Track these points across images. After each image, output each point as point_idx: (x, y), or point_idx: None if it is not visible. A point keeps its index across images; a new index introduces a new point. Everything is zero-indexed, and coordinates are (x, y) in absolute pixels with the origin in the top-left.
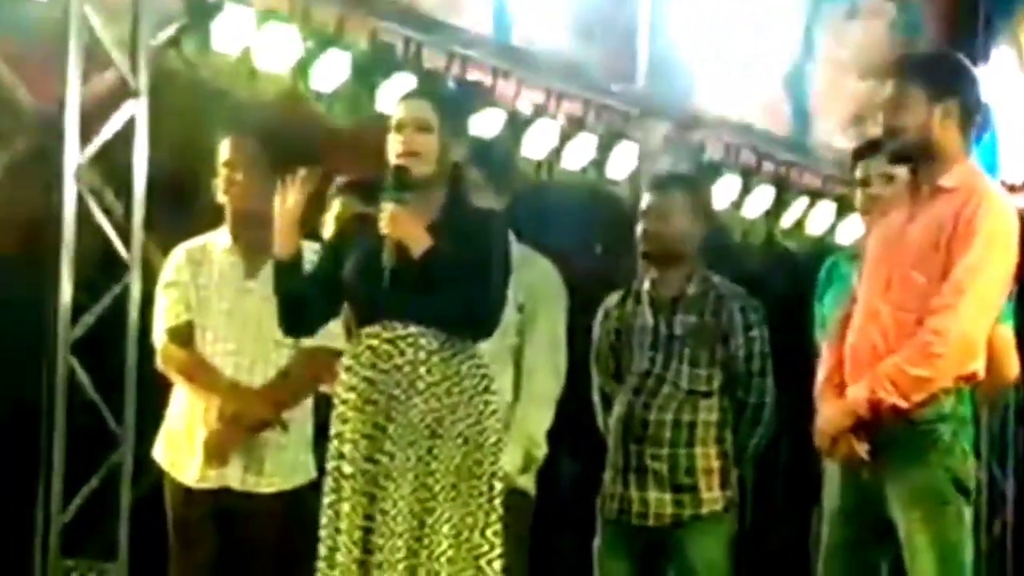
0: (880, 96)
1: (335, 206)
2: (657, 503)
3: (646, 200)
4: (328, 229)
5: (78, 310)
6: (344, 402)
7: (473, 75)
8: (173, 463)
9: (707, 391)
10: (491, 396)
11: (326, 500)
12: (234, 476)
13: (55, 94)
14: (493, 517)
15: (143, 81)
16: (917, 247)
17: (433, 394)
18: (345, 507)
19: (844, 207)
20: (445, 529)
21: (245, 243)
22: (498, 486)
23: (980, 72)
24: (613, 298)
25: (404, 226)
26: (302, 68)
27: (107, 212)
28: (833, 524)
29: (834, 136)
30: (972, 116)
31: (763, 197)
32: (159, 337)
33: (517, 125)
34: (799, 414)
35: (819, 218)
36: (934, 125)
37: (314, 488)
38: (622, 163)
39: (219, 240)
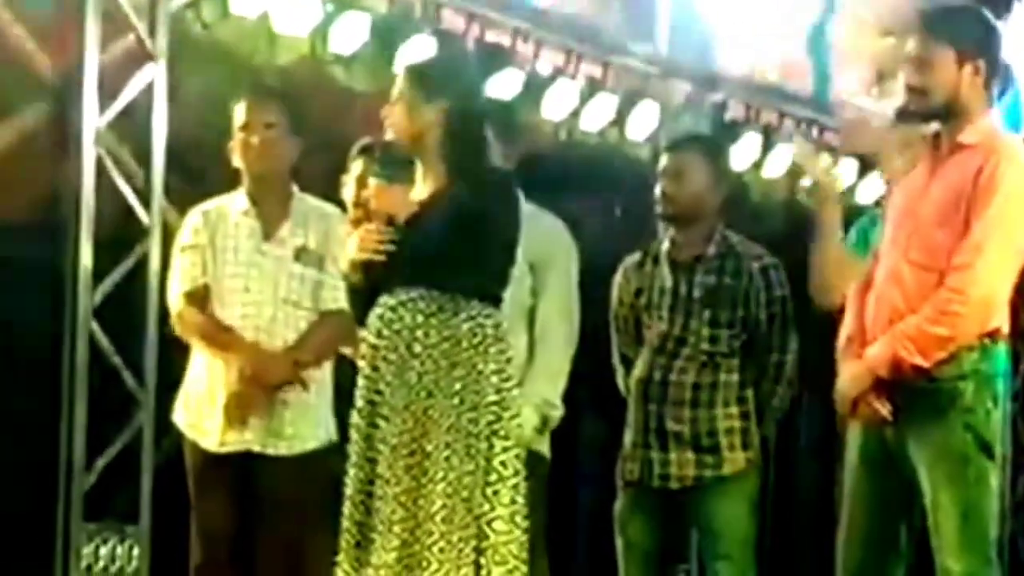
0: (903, 53)
1: (355, 168)
2: (679, 464)
3: (663, 161)
4: (347, 191)
5: (98, 275)
6: (359, 370)
7: (492, 36)
8: (193, 426)
9: (727, 352)
10: (493, 356)
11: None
12: (254, 439)
13: (74, 59)
14: (493, 477)
15: (162, 45)
16: (937, 205)
17: (430, 356)
18: (351, 472)
19: (866, 165)
20: (439, 488)
21: (262, 205)
22: (499, 444)
23: (1003, 26)
24: (632, 259)
25: (388, 198)
26: (321, 31)
27: (127, 177)
28: (856, 478)
29: (856, 94)
30: (996, 71)
31: (784, 156)
32: (175, 300)
33: (536, 86)
34: (822, 372)
35: (842, 176)
36: (962, 85)
37: (336, 450)
38: (642, 124)
39: (236, 202)
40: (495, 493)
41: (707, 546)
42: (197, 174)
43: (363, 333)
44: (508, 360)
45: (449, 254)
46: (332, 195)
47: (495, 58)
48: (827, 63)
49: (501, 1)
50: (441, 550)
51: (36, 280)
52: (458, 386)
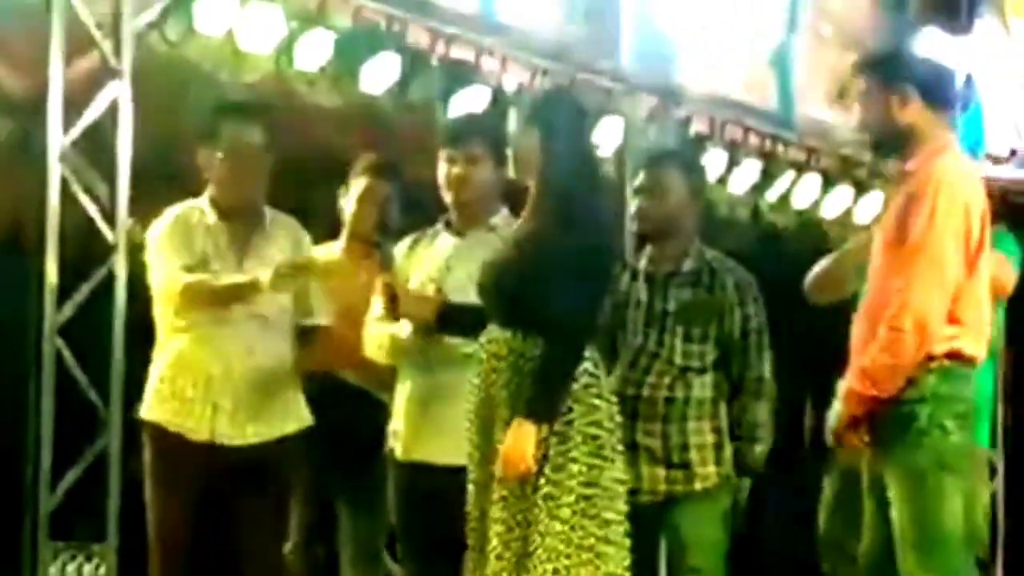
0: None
1: (360, 184)
2: (650, 479)
3: (640, 178)
4: (349, 204)
5: (64, 293)
6: (475, 387)
7: (457, 53)
8: (174, 417)
9: (700, 367)
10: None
11: None
12: (225, 428)
13: (38, 77)
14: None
15: (126, 63)
16: (885, 232)
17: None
18: (471, 488)
19: (829, 181)
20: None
21: (235, 223)
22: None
23: (964, 43)
24: None
25: None
26: (286, 48)
27: (92, 194)
28: (834, 482)
29: (819, 110)
30: (935, 94)
31: (749, 172)
32: (174, 277)
33: (502, 102)
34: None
35: (805, 192)
36: (894, 112)
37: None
38: (607, 139)
39: (207, 210)
40: (558, 532)
41: (677, 560)
42: (162, 192)
43: (480, 353)
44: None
45: (525, 296)
46: (300, 209)
47: (461, 74)
48: (791, 78)
49: (466, 18)
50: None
51: (1, 297)
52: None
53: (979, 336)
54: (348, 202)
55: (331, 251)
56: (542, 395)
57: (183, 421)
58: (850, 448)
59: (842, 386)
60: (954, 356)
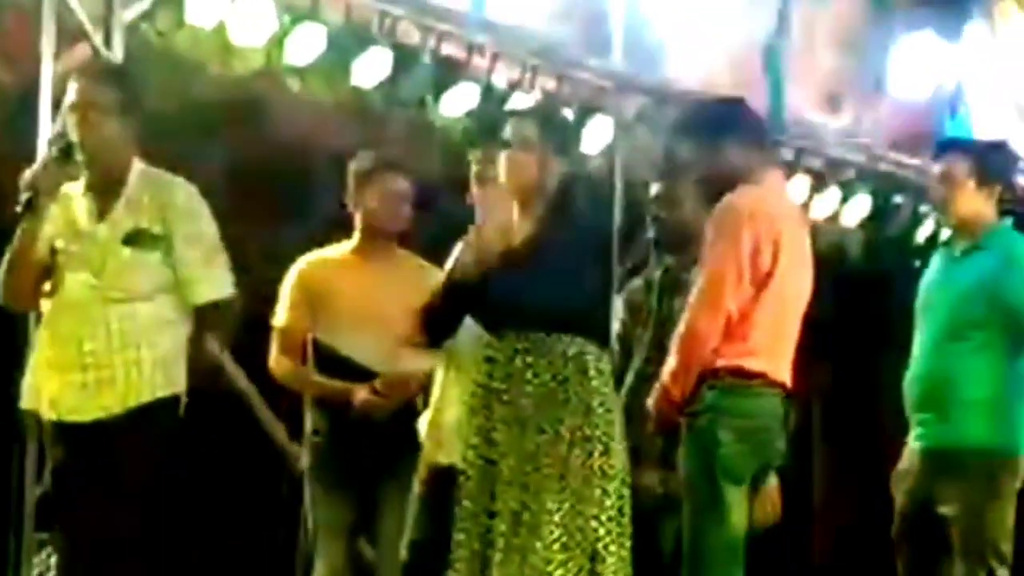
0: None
1: (381, 181)
2: (647, 482)
3: (655, 188)
4: (369, 204)
5: None
6: (470, 408)
7: (448, 50)
8: (40, 403)
9: None
10: (597, 389)
11: None
12: (84, 404)
13: (29, 69)
14: (607, 504)
15: (117, 55)
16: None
17: (541, 394)
18: (467, 503)
19: (818, 181)
20: (556, 519)
21: (96, 186)
22: (609, 472)
23: (953, 48)
24: (636, 284)
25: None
26: (277, 42)
27: None
28: None
29: (808, 109)
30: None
31: None
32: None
33: (492, 99)
34: None
35: (794, 192)
36: (717, 161)
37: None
38: (597, 137)
39: (80, 183)
40: (609, 519)
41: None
42: None
43: (474, 372)
44: (610, 392)
45: (558, 296)
46: (291, 204)
47: (451, 71)
48: (781, 79)
49: (457, 15)
50: None
51: None
52: (568, 422)
53: (769, 355)
54: (365, 199)
55: (343, 249)
56: None
57: (37, 404)
58: None
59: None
60: (736, 372)
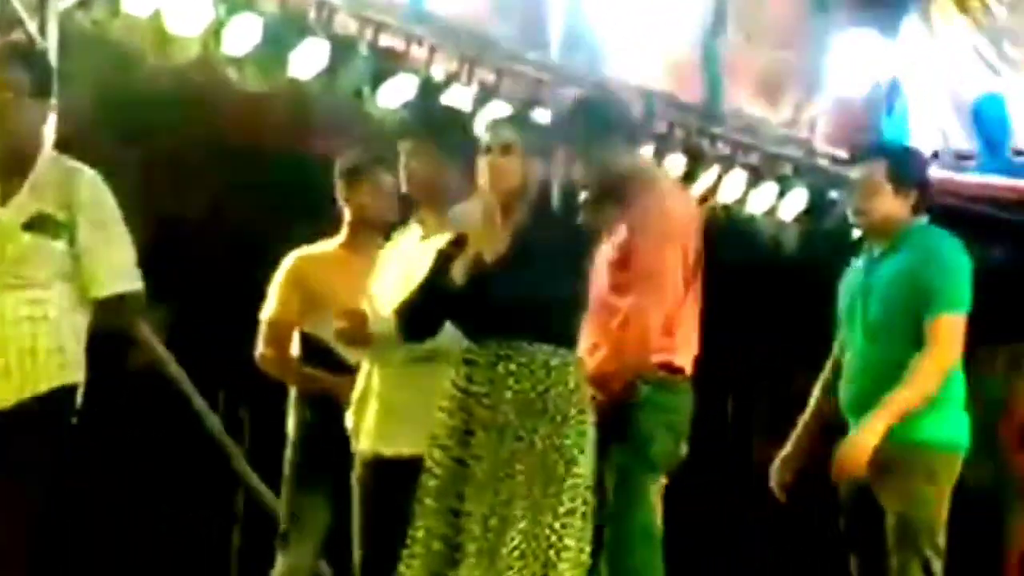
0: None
1: (375, 177)
2: None
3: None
4: (364, 199)
5: None
6: (445, 411)
7: (385, 41)
8: None
9: None
10: (575, 398)
11: None
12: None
13: None
14: (563, 509)
15: (52, 42)
16: (610, 259)
17: (520, 401)
18: (430, 502)
19: (755, 175)
20: (521, 526)
21: (2, 169)
22: (572, 480)
23: (889, 44)
24: None
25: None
26: (213, 32)
27: None
28: None
29: (746, 104)
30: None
31: (675, 165)
32: None
33: (430, 92)
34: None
35: (731, 186)
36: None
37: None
38: None
39: None
40: (563, 526)
41: None
42: None
43: (452, 374)
44: (587, 402)
45: (538, 301)
46: (230, 193)
47: (389, 63)
48: (718, 73)
49: (395, 6)
50: None
51: None
52: (542, 430)
53: (688, 351)
54: (355, 195)
55: (332, 244)
56: None
57: None
58: None
59: None
60: (665, 367)
